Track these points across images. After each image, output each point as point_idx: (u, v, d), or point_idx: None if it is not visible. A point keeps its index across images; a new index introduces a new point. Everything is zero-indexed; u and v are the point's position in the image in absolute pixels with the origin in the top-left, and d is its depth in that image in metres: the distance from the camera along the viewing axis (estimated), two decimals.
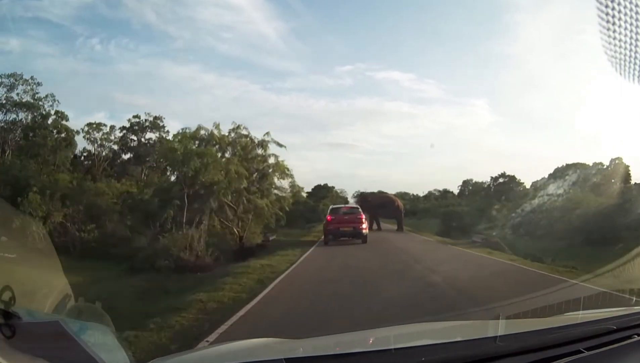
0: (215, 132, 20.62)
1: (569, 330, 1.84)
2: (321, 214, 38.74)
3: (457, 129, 70.81)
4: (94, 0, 48.83)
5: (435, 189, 61.40)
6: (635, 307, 2.96)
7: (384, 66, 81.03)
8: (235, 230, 19.99)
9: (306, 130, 77.82)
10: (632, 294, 5.65)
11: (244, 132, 21.61)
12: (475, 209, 30.02)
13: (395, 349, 1.62)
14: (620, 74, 2.18)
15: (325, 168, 70.73)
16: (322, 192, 57.33)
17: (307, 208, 41.53)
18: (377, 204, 30.50)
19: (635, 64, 2.13)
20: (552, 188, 26.89)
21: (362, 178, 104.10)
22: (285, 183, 24.43)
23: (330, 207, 21.70)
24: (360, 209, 20.47)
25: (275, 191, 23.44)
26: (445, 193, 58.72)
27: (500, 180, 51.36)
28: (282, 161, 22.71)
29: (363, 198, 33.11)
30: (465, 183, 59.01)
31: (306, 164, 70.92)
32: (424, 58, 71.58)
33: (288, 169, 23.18)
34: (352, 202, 44.54)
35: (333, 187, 58.01)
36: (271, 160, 22.52)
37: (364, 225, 18.75)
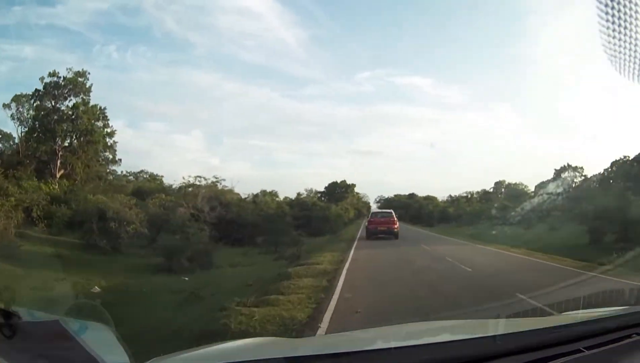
0: None
1: (569, 329, 1.84)
2: (334, 224, 29.59)
3: (481, 134, 71.28)
4: (109, 7, 48.81)
5: (466, 192, 58.94)
6: (635, 306, 2.97)
7: (405, 72, 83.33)
8: None
9: (329, 137, 78.55)
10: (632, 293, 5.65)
11: None
12: None
13: (394, 348, 1.62)
14: (620, 73, 2.17)
15: (348, 175, 70.08)
16: (339, 191, 49.35)
17: (306, 215, 28.32)
18: None
19: (635, 63, 2.13)
20: None
21: (387, 184, 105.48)
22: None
23: (371, 212, 28.62)
24: (393, 214, 25.00)
25: None
26: (486, 193, 56.49)
27: (565, 174, 42.82)
28: None
29: None
30: (498, 185, 57.70)
31: (330, 172, 70.61)
32: (446, 63, 72.86)
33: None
34: (374, 207, 46.04)
35: (353, 185, 53.25)
36: None
37: (396, 225, 23.96)
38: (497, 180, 58.46)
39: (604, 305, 3.81)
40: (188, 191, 24.82)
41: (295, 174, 71.91)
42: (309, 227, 27.04)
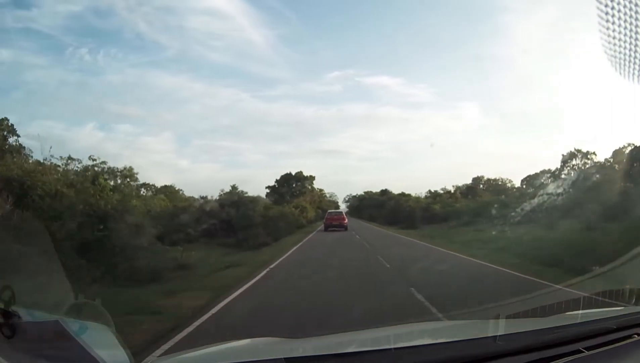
0: None
1: (569, 329, 1.84)
2: (262, 231, 17.65)
3: (449, 132, 71.34)
4: (83, 10, 48.58)
5: (442, 188, 53.43)
6: (635, 306, 2.97)
7: (373, 72, 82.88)
8: None
9: (296, 138, 78.18)
10: (632, 294, 5.62)
11: None
12: None
13: (395, 348, 1.62)
14: (620, 73, 2.17)
15: (316, 176, 68.81)
16: (292, 186, 41.66)
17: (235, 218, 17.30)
18: None
19: (635, 63, 2.12)
20: None
21: (355, 184, 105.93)
22: None
23: (327, 212, 36.04)
24: (343, 213, 34.89)
25: None
26: (470, 188, 51.95)
27: (574, 162, 34.84)
28: None
29: None
30: (476, 180, 54.65)
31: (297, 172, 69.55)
32: (414, 62, 73.07)
33: None
34: (343, 206, 50.13)
35: (312, 177, 46.25)
36: None
37: (345, 221, 32.22)
38: (475, 176, 55.16)
39: (603, 306, 3.80)
40: None
41: (264, 175, 71.35)
42: (237, 234, 16.59)
